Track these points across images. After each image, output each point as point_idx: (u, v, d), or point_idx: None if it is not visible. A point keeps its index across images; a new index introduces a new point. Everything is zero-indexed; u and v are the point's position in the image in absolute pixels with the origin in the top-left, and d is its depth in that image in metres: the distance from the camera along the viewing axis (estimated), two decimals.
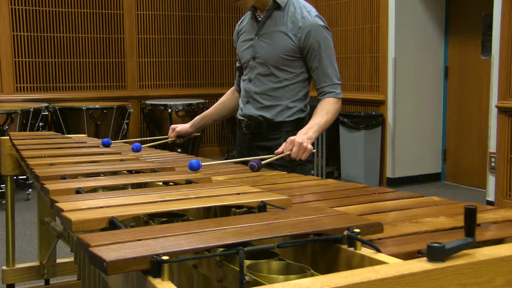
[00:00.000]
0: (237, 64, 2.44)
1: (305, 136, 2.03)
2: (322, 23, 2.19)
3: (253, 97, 2.27)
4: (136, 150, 2.22)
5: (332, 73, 2.19)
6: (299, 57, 2.20)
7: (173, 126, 2.55)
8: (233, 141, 6.79)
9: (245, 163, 2.04)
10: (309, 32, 2.15)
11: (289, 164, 2.12)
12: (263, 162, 1.89)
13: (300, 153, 1.98)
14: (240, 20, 2.42)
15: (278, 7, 2.21)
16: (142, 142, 2.43)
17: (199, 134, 2.66)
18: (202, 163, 1.78)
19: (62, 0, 6.20)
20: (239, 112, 2.36)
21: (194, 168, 1.71)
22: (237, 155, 2.41)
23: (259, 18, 2.26)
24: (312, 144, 2.06)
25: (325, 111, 2.15)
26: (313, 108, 2.23)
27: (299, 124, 2.23)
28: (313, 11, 2.22)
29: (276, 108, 2.23)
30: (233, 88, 2.54)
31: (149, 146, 2.50)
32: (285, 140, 2.09)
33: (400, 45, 5.65)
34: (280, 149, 1.99)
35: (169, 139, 2.53)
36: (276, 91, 2.22)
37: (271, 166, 2.03)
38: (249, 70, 2.29)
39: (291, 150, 1.98)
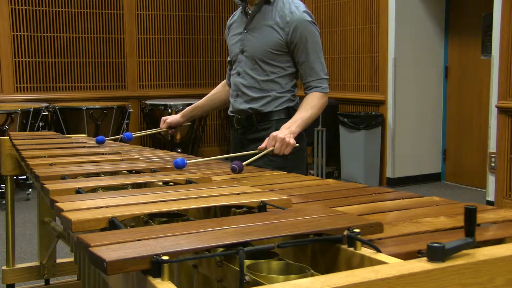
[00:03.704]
0: (228, 59, 2.46)
1: (288, 131, 2.05)
2: (310, 18, 2.21)
3: (242, 91, 2.29)
4: (128, 139, 2.24)
5: (318, 67, 2.21)
6: (286, 52, 2.22)
7: (164, 117, 2.60)
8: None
9: (231, 159, 2.04)
10: (297, 27, 2.17)
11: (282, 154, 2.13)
12: (250, 160, 1.91)
13: (283, 148, 2.00)
14: (232, 15, 2.45)
15: (267, 1, 2.24)
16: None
17: (189, 123, 2.71)
18: (188, 161, 1.79)
19: (62, 0, 6.20)
20: (230, 108, 2.38)
21: (180, 167, 1.70)
22: (232, 153, 2.41)
23: (249, 12, 2.28)
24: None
25: (310, 105, 2.17)
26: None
27: (288, 112, 2.25)
28: (302, 6, 2.24)
29: (264, 99, 2.25)
30: (224, 81, 2.57)
31: (141, 136, 2.55)
32: (275, 129, 2.10)
33: (400, 45, 5.65)
34: (263, 145, 2.02)
35: (161, 130, 2.57)
36: (264, 84, 2.25)
37: (265, 159, 2.04)
38: (238, 63, 2.31)
39: (274, 145, 2.00)
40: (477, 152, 5.53)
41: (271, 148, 2.00)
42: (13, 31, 5.99)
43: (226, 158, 2.23)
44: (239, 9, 2.37)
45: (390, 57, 5.68)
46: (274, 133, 2.03)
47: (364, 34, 6.00)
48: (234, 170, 1.72)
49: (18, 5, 5.99)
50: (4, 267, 2.71)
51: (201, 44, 7.05)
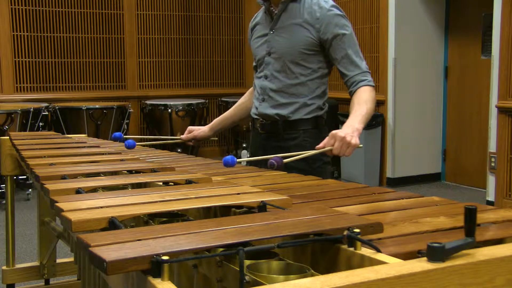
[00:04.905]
0: (254, 64, 2.33)
1: (350, 130, 1.87)
2: (340, 12, 2.12)
3: (269, 95, 2.17)
4: (129, 146, 2.22)
5: (358, 61, 2.09)
6: (317, 51, 2.11)
7: (190, 128, 2.44)
8: (233, 141, 6.79)
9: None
10: (329, 23, 2.08)
11: (307, 168, 2.00)
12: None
13: (344, 149, 1.80)
14: (254, 17, 2.34)
15: None
16: (152, 142, 2.39)
17: (216, 138, 2.56)
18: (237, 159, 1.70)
19: (62, 0, 6.20)
20: (253, 110, 2.25)
21: (229, 165, 1.65)
22: (251, 156, 2.29)
23: (275, 11, 2.16)
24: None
25: (363, 100, 2.02)
26: (331, 107, 2.13)
27: (316, 122, 2.15)
28: (330, 1, 2.15)
29: (293, 105, 2.13)
30: (251, 89, 2.42)
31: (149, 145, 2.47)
32: (303, 140, 2.01)
33: (400, 45, 5.65)
34: (321, 144, 1.83)
35: (182, 140, 2.43)
36: (293, 88, 2.13)
37: (286, 168, 1.86)
38: (265, 66, 2.19)
39: (333, 145, 1.81)
40: (477, 152, 5.53)
41: (329, 148, 1.81)
42: (13, 31, 5.99)
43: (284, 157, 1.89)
44: (262, 10, 2.26)
45: (390, 57, 5.68)
46: (334, 132, 1.83)
47: (364, 34, 6.00)
48: (272, 166, 1.62)
49: (18, 5, 5.99)
50: (4, 267, 2.71)
51: (201, 44, 7.05)
